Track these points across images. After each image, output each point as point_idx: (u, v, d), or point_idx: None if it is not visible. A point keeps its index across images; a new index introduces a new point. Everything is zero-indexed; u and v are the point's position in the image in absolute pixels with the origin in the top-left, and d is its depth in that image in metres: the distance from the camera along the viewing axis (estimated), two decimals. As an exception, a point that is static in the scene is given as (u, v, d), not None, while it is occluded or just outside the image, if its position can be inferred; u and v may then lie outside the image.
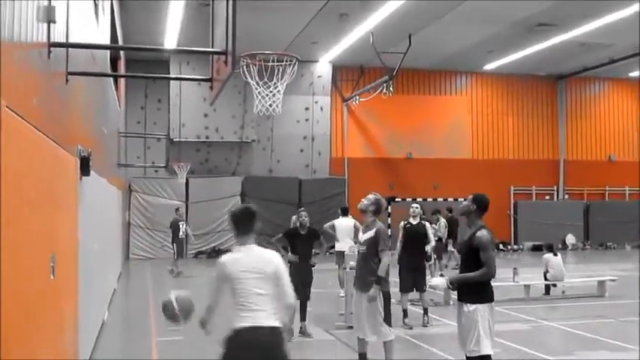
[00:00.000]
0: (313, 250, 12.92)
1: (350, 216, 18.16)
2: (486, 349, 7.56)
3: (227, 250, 28.08)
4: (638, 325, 12.93)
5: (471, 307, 7.64)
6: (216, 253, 30.01)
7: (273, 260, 5.98)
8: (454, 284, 7.94)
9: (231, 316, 5.85)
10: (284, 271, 6.00)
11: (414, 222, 14.27)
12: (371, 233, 9.40)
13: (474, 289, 7.69)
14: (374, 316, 9.24)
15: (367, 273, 9.32)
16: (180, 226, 23.11)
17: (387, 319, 9.32)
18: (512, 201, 35.48)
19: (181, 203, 30.25)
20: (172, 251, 23.21)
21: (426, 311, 13.79)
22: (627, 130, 37.39)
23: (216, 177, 31.26)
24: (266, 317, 5.79)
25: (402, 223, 14.36)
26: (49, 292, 6.11)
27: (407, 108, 33.47)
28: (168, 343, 11.57)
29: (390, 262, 9.45)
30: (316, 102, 32.67)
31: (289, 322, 6.00)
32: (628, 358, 10.82)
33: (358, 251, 9.66)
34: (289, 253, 12.47)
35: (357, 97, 31.23)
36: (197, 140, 31.11)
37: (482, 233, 7.73)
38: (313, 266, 12.64)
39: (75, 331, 7.97)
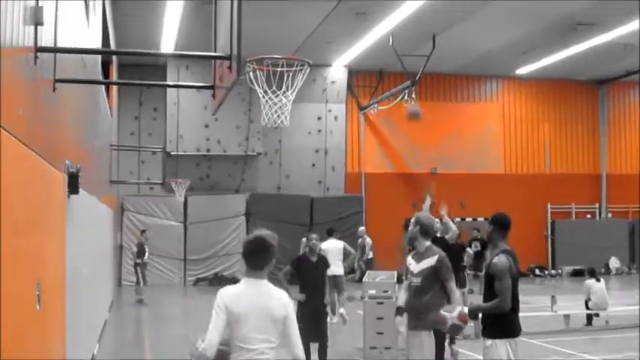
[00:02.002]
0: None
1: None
2: None
3: (232, 278, 28.43)
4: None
5: (488, 342, 7.65)
6: (218, 279, 30.03)
7: (282, 302, 5.87)
8: (469, 315, 7.97)
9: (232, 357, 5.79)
10: (293, 318, 5.91)
11: None
12: (429, 262, 8.86)
13: (493, 322, 7.68)
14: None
15: (427, 308, 8.77)
16: (146, 249, 23.90)
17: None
18: (549, 220, 35.39)
19: (179, 224, 30.33)
20: (136, 276, 24.16)
21: (452, 341, 13.77)
22: (678, 140, 37.24)
23: (218, 194, 31.29)
24: None
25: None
26: (35, 324, 6.14)
27: (431, 117, 33.45)
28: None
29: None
30: (330, 110, 32.70)
31: None
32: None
33: (409, 284, 9.21)
34: (299, 288, 11.98)
35: (376, 105, 31.25)
36: (197, 154, 31.16)
37: (499, 259, 7.71)
38: (326, 306, 12.13)
39: (63, 366, 7.99)
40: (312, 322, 11.51)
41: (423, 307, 8.78)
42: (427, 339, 8.84)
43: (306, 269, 12.10)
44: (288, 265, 12.31)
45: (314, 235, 12.60)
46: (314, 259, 12.19)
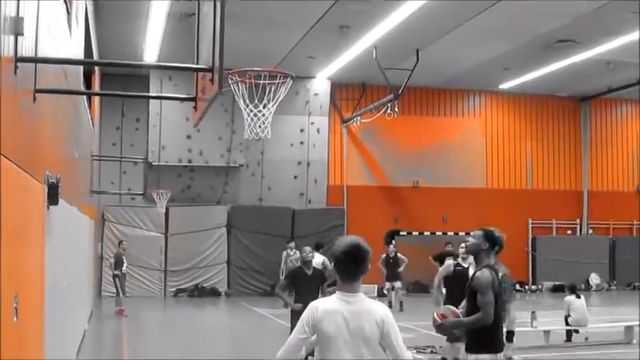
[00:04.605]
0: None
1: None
2: None
3: (212, 289, 28.38)
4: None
5: (471, 357, 7.61)
6: (198, 291, 29.98)
7: (375, 318, 5.30)
8: (447, 329, 7.93)
9: None
10: (391, 329, 5.30)
11: (465, 264, 13.08)
12: None
13: (476, 337, 7.65)
14: None
15: None
16: (124, 260, 23.87)
17: None
18: (530, 236, 35.46)
19: (160, 235, 30.21)
20: (115, 287, 24.05)
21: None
22: (659, 157, 37.43)
23: (200, 206, 31.20)
24: None
25: (450, 263, 13.42)
26: (12, 337, 6.08)
27: (414, 130, 33.51)
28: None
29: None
30: (312, 123, 32.68)
31: None
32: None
33: None
34: (293, 302, 11.99)
35: (359, 118, 31.26)
36: (179, 164, 31.03)
37: (482, 274, 7.68)
38: None
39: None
40: None
41: None
42: None
43: (301, 282, 12.11)
44: (283, 278, 12.48)
45: (307, 248, 12.61)
46: (309, 272, 12.21)
